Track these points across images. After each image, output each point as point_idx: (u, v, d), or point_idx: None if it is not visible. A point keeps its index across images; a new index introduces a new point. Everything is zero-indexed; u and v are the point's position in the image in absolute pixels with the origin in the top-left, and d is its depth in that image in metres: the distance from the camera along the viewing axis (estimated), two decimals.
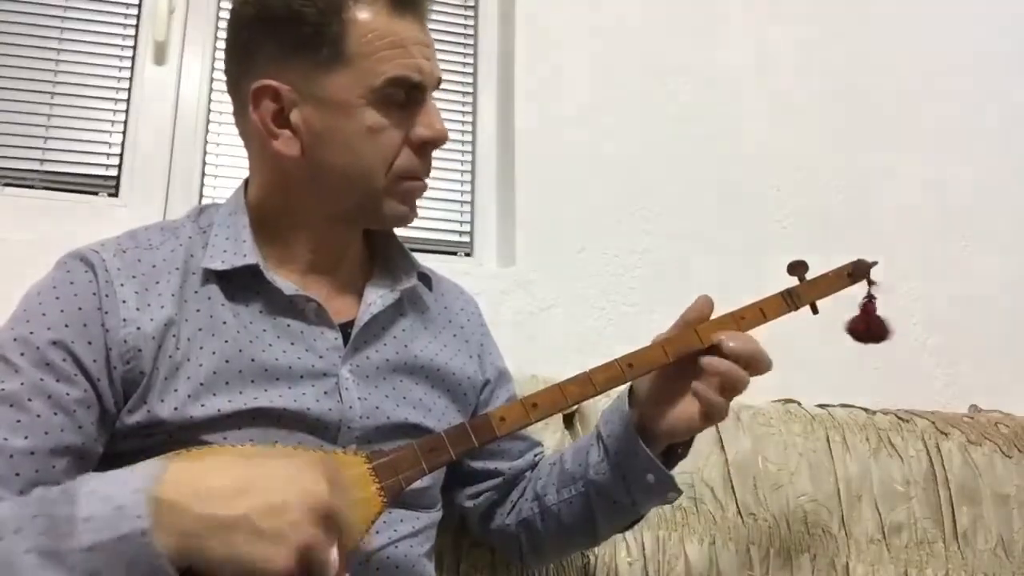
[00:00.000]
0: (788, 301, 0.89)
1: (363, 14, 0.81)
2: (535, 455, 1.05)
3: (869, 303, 0.93)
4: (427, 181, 0.90)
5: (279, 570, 0.59)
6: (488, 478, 1.02)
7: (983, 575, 1.26)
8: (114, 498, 0.60)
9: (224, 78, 0.90)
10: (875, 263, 0.93)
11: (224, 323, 0.81)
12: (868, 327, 0.93)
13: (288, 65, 0.82)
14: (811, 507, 1.24)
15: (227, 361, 0.79)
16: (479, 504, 1.02)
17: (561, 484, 0.96)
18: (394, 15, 0.82)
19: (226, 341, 0.80)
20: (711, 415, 0.85)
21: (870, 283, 0.93)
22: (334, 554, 0.62)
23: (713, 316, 0.88)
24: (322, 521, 0.61)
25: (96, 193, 1.44)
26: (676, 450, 0.91)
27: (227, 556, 0.59)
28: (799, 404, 1.36)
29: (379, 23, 0.81)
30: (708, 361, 0.84)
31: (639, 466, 0.88)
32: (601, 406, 1.20)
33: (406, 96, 0.83)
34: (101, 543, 0.59)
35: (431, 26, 1.73)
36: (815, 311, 0.92)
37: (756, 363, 0.84)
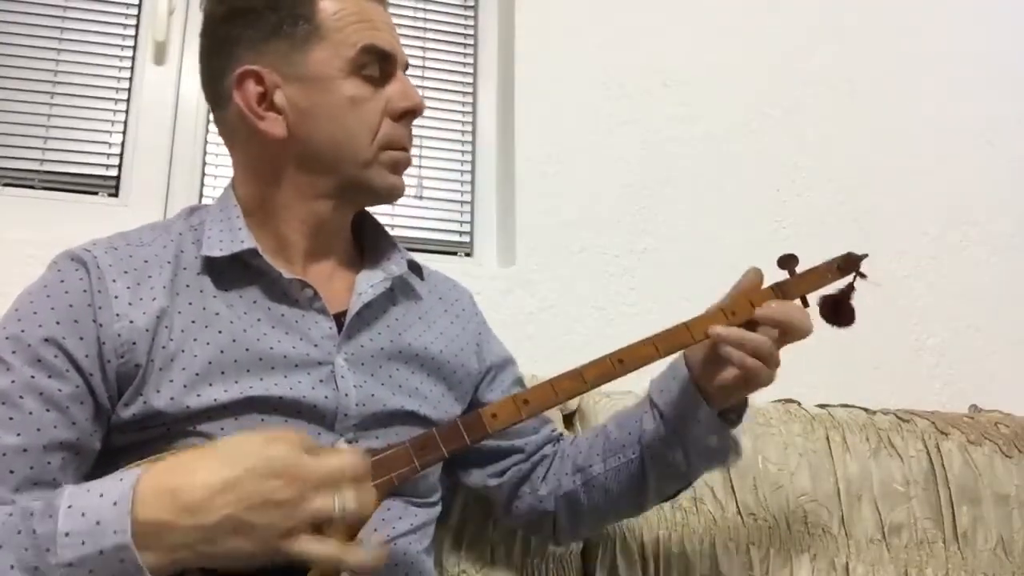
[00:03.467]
0: (778, 295, 0.90)
1: None
2: (551, 430, 1.06)
3: (848, 288, 0.93)
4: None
5: (288, 550, 0.61)
6: (510, 454, 1.02)
7: (983, 575, 1.26)
8: (92, 513, 0.60)
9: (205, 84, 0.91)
10: (865, 255, 0.93)
11: (217, 314, 0.81)
12: (835, 308, 0.93)
13: (267, 50, 0.85)
14: (811, 507, 1.24)
15: (222, 351, 0.80)
16: (504, 483, 1.02)
17: (608, 454, 0.97)
18: None
19: (220, 332, 0.81)
20: (750, 380, 0.86)
21: (860, 276, 0.93)
22: (332, 506, 0.63)
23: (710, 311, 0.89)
24: (308, 488, 0.62)
25: (96, 193, 1.44)
26: (729, 416, 0.92)
27: (228, 554, 0.61)
28: (799, 404, 1.36)
29: (346, 2, 0.87)
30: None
31: (700, 430, 0.90)
32: (602, 406, 1.21)
33: (380, 69, 0.87)
34: (82, 558, 0.59)
35: (432, 26, 1.73)
36: (805, 304, 0.92)
37: (790, 328, 0.86)
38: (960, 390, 1.63)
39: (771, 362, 0.86)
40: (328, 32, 0.85)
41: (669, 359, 0.90)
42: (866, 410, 1.37)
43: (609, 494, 0.97)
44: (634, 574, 1.14)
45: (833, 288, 0.93)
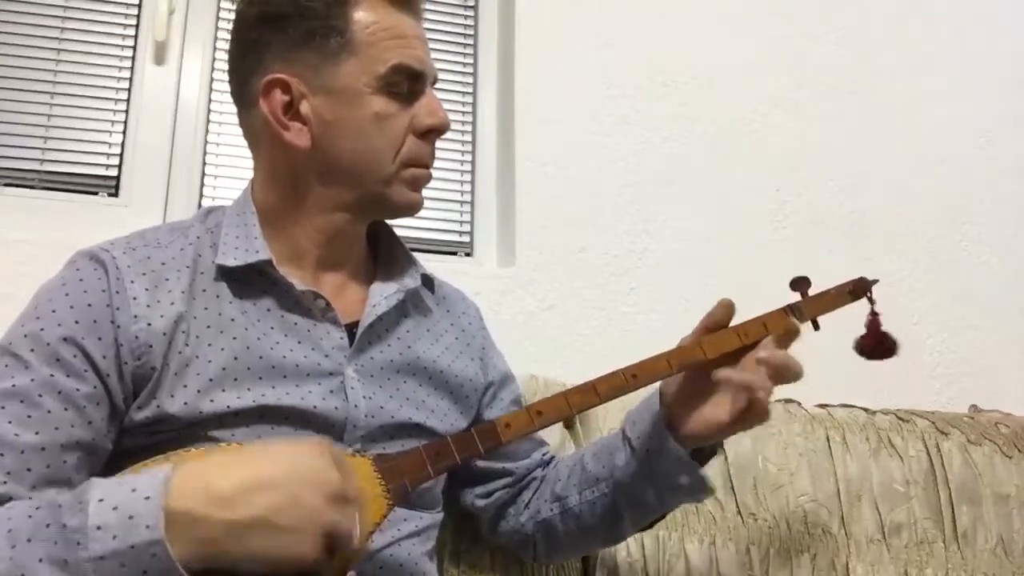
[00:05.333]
0: (790, 317, 0.90)
1: (366, 7, 0.85)
2: (542, 454, 1.06)
3: (874, 320, 0.95)
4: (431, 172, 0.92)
5: (307, 559, 0.61)
6: (499, 477, 1.02)
7: (983, 575, 1.26)
8: (124, 507, 0.60)
9: (225, 79, 0.91)
10: (875, 281, 0.95)
11: (232, 320, 0.82)
12: (876, 343, 0.95)
13: (296, 59, 0.85)
14: (811, 507, 1.24)
15: (236, 358, 0.80)
16: (490, 504, 1.02)
17: (583, 486, 0.96)
18: (393, 9, 0.86)
19: (234, 338, 0.81)
20: (749, 417, 0.84)
21: (871, 300, 0.94)
22: (356, 529, 0.64)
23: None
24: (337, 501, 0.63)
25: (96, 193, 1.44)
26: (704, 450, 0.91)
27: (252, 555, 0.61)
28: (799, 404, 1.36)
29: (380, 15, 0.86)
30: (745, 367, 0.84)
31: (670, 468, 0.88)
32: (603, 410, 1.20)
33: (408, 87, 0.87)
34: (113, 552, 0.59)
35: (431, 25, 1.73)
36: (816, 327, 0.94)
37: (786, 376, 0.84)
38: (960, 390, 1.63)
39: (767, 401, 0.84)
40: (360, 47, 0.84)
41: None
42: (866, 410, 1.37)
43: (584, 525, 0.96)
44: (634, 574, 1.15)
45: (845, 318, 0.94)
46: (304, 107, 0.84)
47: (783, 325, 0.89)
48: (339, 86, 0.84)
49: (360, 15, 0.85)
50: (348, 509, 0.64)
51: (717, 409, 0.85)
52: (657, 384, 0.89)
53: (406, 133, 0.87)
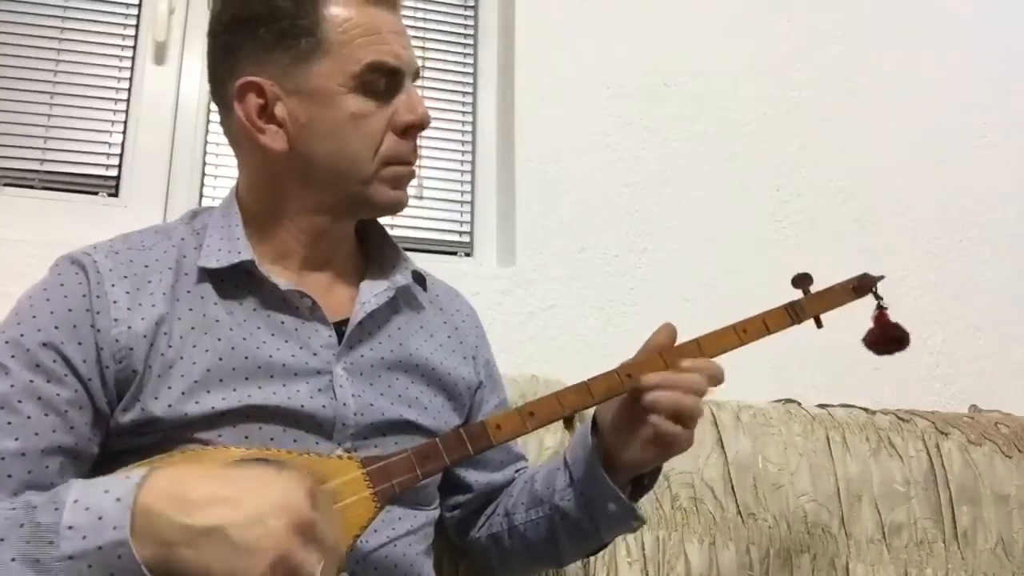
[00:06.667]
0: (792, 314, 0.89)
1: (337, 4, 0.84)
2: (516, 470, 1.04)
3: (881, 314, 0.93)
4: (420, 172, 0.90)
5: None
6: (464, 492, 1.01)
7: (983, 575, 1.26)
8: (96, 507, 0.61)
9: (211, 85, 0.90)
10: (881, 277, 0.93)
11: (217, 321, 0.81)
12: (886, 336, 0.93)
13: (269, 60, 0.83)
14: (811, 507, 1.24)
15: (221, 359, 0.79)
16: (454, 515, 1.02)
17: (530, 504, 0.95)
18: (366, 4, 0.85)
19: (219, 339, 0.80)
20: (672, 444, 0.82)
21: (877, 297, 0.93)
22: (315, 565, 0.61)
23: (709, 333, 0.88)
24: (300, 532, 0.61)
25: (96, 193, 1.44)
26: (643, 479, 0.90)
27: (200, 566, 0.60)
28: (799, 404, 1.36)
29: (353, 12, 0.84)
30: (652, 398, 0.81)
31: (601, 495, 0.87)
32: None
33: (385, 83, 0.85)
34: (82, 552, 0.59)
35: (432, 26, 1.73)
36: (819, 325, 0.91)
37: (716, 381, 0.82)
38: (960, 390, 1.63)
39: (692, 423, 0.81)
40: (332, 46, 0.82)
41: None
42: (866, 410, 1.37)
43: (527, 544, 0.95)
44: (634, 574, 1.15)
45: (845, 318, 0.91)
46: (279, 109, 0.83)
47: (781, 325, 0.88)
48: (312, 87, 0.83)
49: (332, 13, 0.83)
50: (312, 546, 0.61)
51: (648, 435, 0.82)
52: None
53: (385, 131, 0.85)
